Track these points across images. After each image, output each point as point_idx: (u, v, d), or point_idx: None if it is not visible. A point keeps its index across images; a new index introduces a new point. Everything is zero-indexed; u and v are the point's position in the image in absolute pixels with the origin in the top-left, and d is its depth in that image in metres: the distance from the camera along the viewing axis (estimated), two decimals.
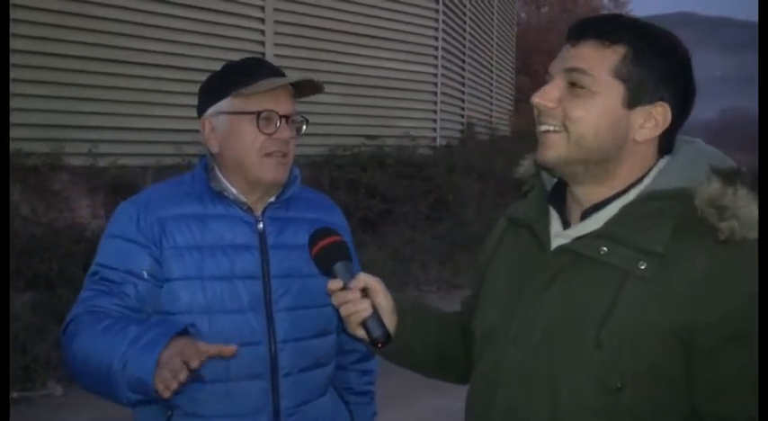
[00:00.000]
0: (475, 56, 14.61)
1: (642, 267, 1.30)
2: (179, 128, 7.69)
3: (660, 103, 1.36)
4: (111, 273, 1.85)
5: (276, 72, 1.94)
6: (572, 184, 1.45)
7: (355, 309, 1.50)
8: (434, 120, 12.01)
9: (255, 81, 1.87)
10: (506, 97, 17.94)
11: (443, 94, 12.16)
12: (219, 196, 1.93)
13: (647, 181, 1.39)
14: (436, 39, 11.83)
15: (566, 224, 1.46)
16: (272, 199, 1.97)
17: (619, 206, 1.38)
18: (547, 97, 1.40)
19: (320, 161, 9.25)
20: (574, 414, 1.33)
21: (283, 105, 1.89)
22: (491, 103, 16.17)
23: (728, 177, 1.31)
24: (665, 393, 1.30)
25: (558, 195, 1.50)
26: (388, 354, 1.61)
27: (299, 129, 1.96)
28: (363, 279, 1.53)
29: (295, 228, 1.97)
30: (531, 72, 22.46)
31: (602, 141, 1.36)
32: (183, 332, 1.70)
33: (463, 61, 13.69)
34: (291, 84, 1.94)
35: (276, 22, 8.98)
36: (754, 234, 1.27)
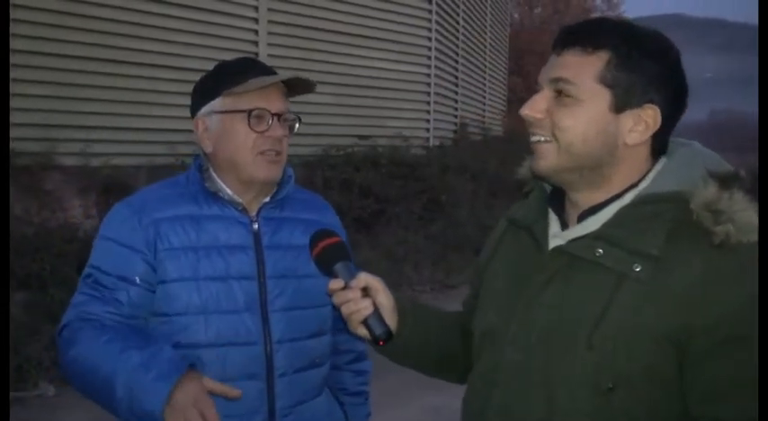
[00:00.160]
0: (468, 56, 14.63)
1: (637, 270, 1.31)
2: (172, 127, 7.68)
3: (649, 105, 1.36)
4: (105, 278, 1.85)
5: (268, 71, 1.94)
6: (568, 190, 1.46)
7: (356, 307, 1.52)
8: (428, 121, 12.02)
9: (247, 80, 1.87)
10: (499, 98, 17.97)
11: (437, 94, 12.17)
12: (214, 197, 1.92)
13: (643, 184, 1.39)
14: (429, 39, 11.84)
15: (564, 226, 1.47)
16: (267, 199, 1.97)
17: (615, 209, 1.39)
18: (535, 108, 1.41)
19: (313, 161, 9.24)
20: (568, 415, 1.34)
21: (275, 103, 1.89)
22: (484, 104, 16.20)
23: (725, 181, 1.32)
24: (659, 395, 1.30)
25: (558, 197, 1.50)
26: (389, 353, 1.62)
27: (291, 128, 1.96)
28: (364, 278, 1.54)
29: (290, 229, 1.97)
30: (523, 73, 22.50)
31: (591, 148, 1.37)
32: (191, 365, 1.71)
33: (456, 62, 13.71)
34: (284, 83, 1.93)
35: (270, 21, 8.97)
36: (749, 238, 1.27)
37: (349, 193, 9.26)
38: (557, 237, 1.45)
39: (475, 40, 15.29)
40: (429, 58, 11.87)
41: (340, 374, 2.19)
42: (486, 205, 11.51)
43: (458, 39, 13.74)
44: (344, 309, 1.53)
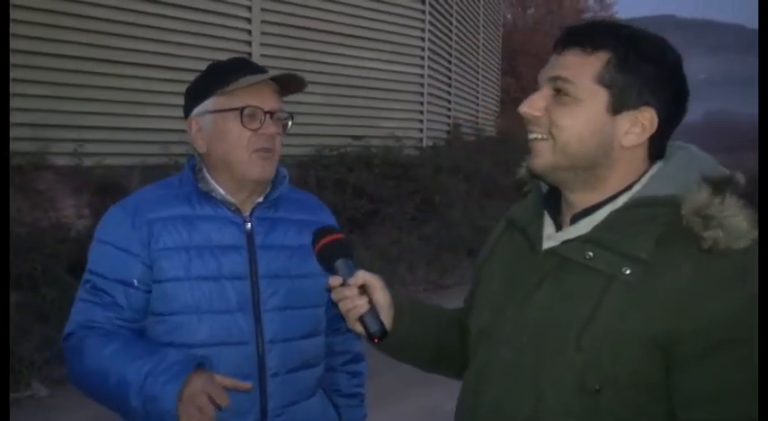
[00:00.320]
0: (461, 57, 14.65)
1: (626, 273, 1.31)
2: (165, 127, 7.67)
3: (646, 108, 1.37)
4: (103, 283, 1.86)
5: (260, 70, 1.94)
6: (564, 190, 1.46)
7: (353, 304, 1.54)
8: (421, 121, 12.04)
9: (238, 79, 1.87)
10: (492, 98, 18.00)
11: (430, 94, 12.19)
12: (207, 197, 1.93)
13: (637, 187, 1.39)
14: (423, 40, 11.85)
15: (559, 227, 1.48)
16: (261, 199, 1.97)
17: (607, 211, 1.39)
18: (533, 106, 1.42)
19: (307, 161, 9.24)
20: (556, 414, 1.35)
21: (267, 101, 1.90)
22: (477, 104, 16.22)
23: (718, 186, 1.31)
24: (645, 398, 1.31)
25: (554, 198, 1.51)
26: (385, 349, 1.64)
27: (285, 126, 1.97)
28: (362, 276, 1.57)
29: (284, 229, 1.97)
30: (516, 73, 22.53)
31: (587, 148, 1.38)
32: (200, 364, 1.73)
33: (449, 62, 13.72)
34: (276, 81, 1.94)
35: (263, 21, 8.97)
36: (739, 244, 1.27)
37: (342, 194, 9.26)
38: (550, 238, 1.46)
39: (468, 41, 15.32)
40: (422, 58, 11.88)
41: (335, 376, 2.19)
42: (479, 205, 11.53)
43: (451, 39, 13.76)
44: (342, 306, 1.56)
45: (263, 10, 8.97)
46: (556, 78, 1.39)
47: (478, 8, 16.21)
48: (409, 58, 11.60)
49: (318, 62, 9.71)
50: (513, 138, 14.84)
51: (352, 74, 10.35)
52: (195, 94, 1.95)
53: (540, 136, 1.41)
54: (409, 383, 5.20)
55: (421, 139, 12.04)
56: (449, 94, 13.72)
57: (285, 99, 1.98)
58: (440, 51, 12.99)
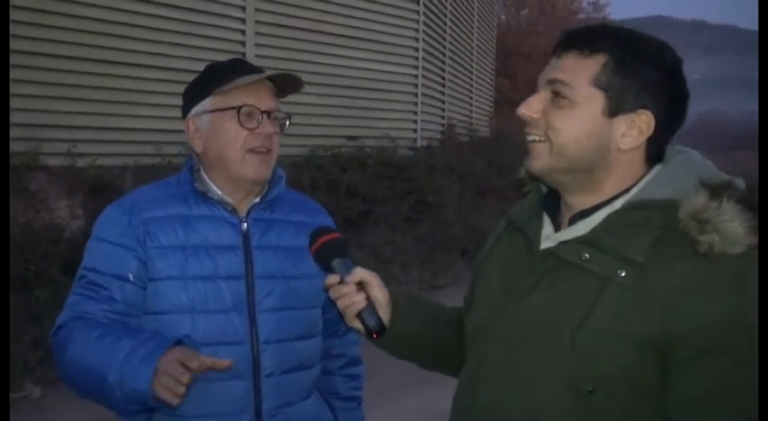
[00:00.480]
0: (455, 57, 14.67)
1: (622, 275, 1.32)
2: (159, 128, 7.67)
3: (643, 111, 1.37)
4: (98, 277, 1.86)
5: (257, 71, 1.95)
6: (562, 192, 1.47)
7: (351, 301, 1.56)
8: (415, 122, 12.05)
9: (236, 78, 1.88)
10: (486, 99, 18.02)
11: (424, 95, 12.20)
12: (204, 197, 1.93)
13: (635, 190, 1.40)
14: (417, 40, 11.86)
15: (557, 228, 1.48)
16: (257, 200, 1.97)
17: (605, 214, 1.40)
18: (531, 108, 1.43)
19: (300, 161, 9.24)
20: (547, 414, 1.36)
21: (264, 101, 1.90)
22: (471, 105, 16.24)
23: (716, 191, 1.32)
24: (638, 399, 1.31)
25: (553, 199, 1.52)
26: (384, 345, 1.66)
27: (282, 126, 1.97)
28: (359, 273, 1.58)
29: (280, 230, 1.98)
30: (510, 74, 22.58)
31: (583, 150, 1.38)
32: (178, 343, 1.71)
33: (443, 63, 13.73)
34: (273, 82, 1.95)
35: (257, 22, 8.96)
36: (734, 249, 1.28)
37: (336, 194, 9.26)
38: (548, 239, 1.47)
39: (462, 42, 15.33)
40: (416, 58, 11.89)
41: (333, 379, 2.19)
42: (473, 206, 11.54)
43: (445, 40, 13.77)
44: (340, 303, 1.57)
45: (256, 10, 8.97)
46: (553, 81, 1.40)
47: (472, 9, 16.23)
48: (403, 58, 11.61)
49: (313, 62, 9.71)
50: (506, 138, 14.87)
51: (347, 74, 10.35)
52: (193, 95, 1.96)
53: (537, 138, 1.42)
54: (404, 384, 5.21)
55: (415, 140, 12.04)
56: (443, 94, 13.73)
57: (278, 99, 1.98)
58: (434, 52, 13.00)
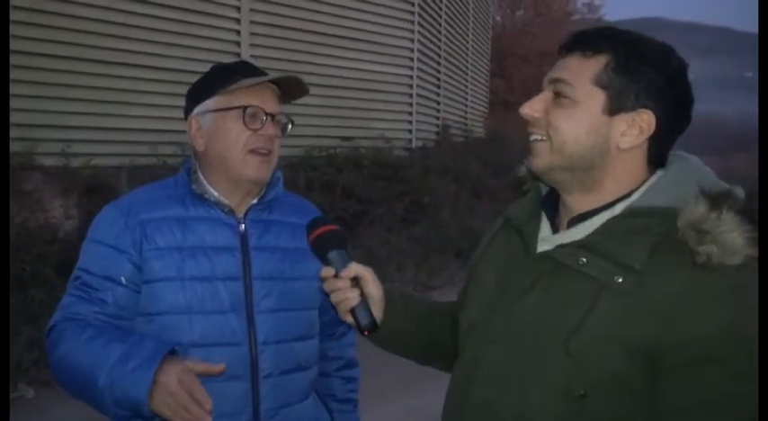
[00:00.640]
0: (450, 58, 14.67)
1: (618, 281, 1.32)
2: (154, 128, 7.65)
3: (644, 110, 1.38)
4: (91, 279, 1.86)
5: (262, 74, 1.95)
6: (561, 192, 1.48)
7: (344, 296, 1.57)
8: (410, 122, 12.04)
9: (241, 79, 1.88)
10: (481, 99, 18.03)
11: (419, 95, 12.20)
12: (201, 199, 1.93)
13: (636, 195, 1.40)
14: (412, 41, 11.86)
15: (555, 229, 1.48)
16: (255, 201, 1.97)
17: (604, 218, 1.40)
18: (533, 108, 1.44)
19: (296, 162, 9.23)
20: (538, 415, 1.36)
21: (269, 104, 1.91)
22: (466, 106, 16.24)
23: (716, 200, 1.32)
24: (629, 405, 1.32)
25: (552, 200, 1.52)
26: (378, 341, 1.67)
27: (283, 130, 1.97)
28: (354, 268, 1.59)
29: (277, 232, 1.98)
30: (505, 75, 22.60)
31: (583, 147, 1.39)
32: (171, 351, 1.71)
33: (439, 64, 13.74)
34: (277, 85, 1.95)
35: (252, 22, 8.95)
36: (732, 260, 1.28)
37: (331, 194, 9.25)
38: (545, 240, 1.47)
39: (457, 43, 15.34)
40: (411, 59, 11.89)
41: (329, 381, 2.20)
42: (468, 207, 11.54)
43: (440, 41, 13.77)
44: (333, 297, 1.58)
45: (252, 10, 8.95)
46: (555, 80, 1.42)
47: (468, 10, 16.23)
48: (398, 59, 11.61)
49: (308, 63, 9.70)
50: (502, 139, 14.88)
51: (342, 75, 10.34)
52: (197, 94, 1.96)
53: (539, 137, 1.44)
54: (402, 383, 5.21)
55: (410, 140, 12.04)
56: (438, 95, 13.73)
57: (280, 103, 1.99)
58: (429, 53, 13.00)
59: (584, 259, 1.36)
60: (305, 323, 1.99)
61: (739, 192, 1.37)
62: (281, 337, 1.92)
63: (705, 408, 1.27)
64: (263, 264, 1.92)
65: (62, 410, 4.67)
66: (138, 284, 1.85)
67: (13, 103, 6.62)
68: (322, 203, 8.22)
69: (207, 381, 1.79)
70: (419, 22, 12.04)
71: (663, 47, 1.42)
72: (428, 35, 12.87)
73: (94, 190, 6.87)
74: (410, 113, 12.00)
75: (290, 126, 2.00)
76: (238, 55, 8.47)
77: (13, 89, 6.62)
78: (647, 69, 1.37)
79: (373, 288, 1.61)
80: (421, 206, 10.66)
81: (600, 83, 1.38)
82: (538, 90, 1.47)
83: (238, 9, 8.80)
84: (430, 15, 12.92)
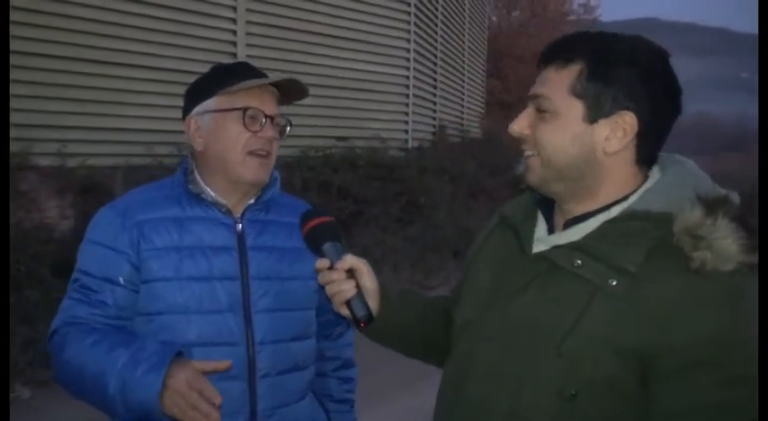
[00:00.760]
0: (447, 58, 14.68)
1: (613, 284, 1.32)
2: (149, 128, 7.64)
3: (625, 112, 1.37)
4: (90, 281, 1.86)
5: (262, 75, 1.96)
6: (557, 201, 1.49)
7: (339, 288, 1.56)
8: (406, 122, 12.04)
9: (242, 81, 1.89)
10: (477, 100, 18.05)
11: (415, 96, 12.20)
12: (198, 199, 1.93)
13: (632, 199, 1.41)
14: (408, 41, 11.86)
15: (551, 229, 1.49)
16: (252, 201, 1.97)
17: (600, 221, 1.41)
18: (520, 125, 1.46)
19: (292, 162, 9.22)
20: (532, 414, 1.37)
21: (269, 106, 1.91)
22: (462, 106, 16.25)
23: (711, 206, 1.32)
24: (620, 407, 1.33)
25: (548, 200, 1.53)
26: (371, 334, 1.67)
27: (282, 132, 1.98)
28: (350, 260, 1.58)
29: (274, 231, 1.98)
30: (501, 75, 22.61)
31: (570, 158, 1.40)
32: (178, 353, 1.73)
33: (435, 64, 13.74)
34: (277, 88, 1.96)
35: (248, 22, 8.94)
36: (726, 266, 1.28)
37: (327, 195, 9.25)
38: (541, 241, 1.48)
39: (453, 43, 15.34)
40: (408, 59, 11.89)
41: (326, 381, 2.20)
42: (464, 207, 11.54)
43: (436, 41, 13.78)
44: (328, 289, 1.58)
45: (248, 10, 8.95)
46: (534, 97, 1.43)
47: (464, 10, 16.24)
48: (395, 59, 11.60)
49: (304, 63, 9.69)
50: (498, 139, 14.89)
51: (338, 75, 10.34)
52: (196, 94, 1.96)
53: (530, 153, 1.45)
54: (400, 383, 5.21)
55: (406, 141, 12.04)
56: (434, 95, 13.74)
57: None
58: (425, 53, 13.00)
59: (579, 261, 1.37)
60: (302, 323, 1.99)
61: (735, 197, 1.37)
62: (278, 337, 1.92)
63: (699, 413, 1.28)
64: (261, 263, 1.92)
65: (60, 410, 4.66)
66: (136, 284, 1.86)
67: (10, 103, 6.62)
68: (318, 203, 8.19)
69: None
70: (415, 23, 12.04)
71: (631, 43, 1.41)
72: (424, 35, 12.88)
73: (90, 190, 6.86)
74: (406, 113, 12.00)
75: (288, 128, 2.00)
76: (234, 55, 8.46)
77: (11, 89, 6.62)
78: (618, 70, 1.37)
79: (368, 280, 1.60)
80: (417, 206, 10.66)
81: (575, 92, 1.38)
82: None
83: (234, 9, 8.79)
84: (426, 16, 12.92)
